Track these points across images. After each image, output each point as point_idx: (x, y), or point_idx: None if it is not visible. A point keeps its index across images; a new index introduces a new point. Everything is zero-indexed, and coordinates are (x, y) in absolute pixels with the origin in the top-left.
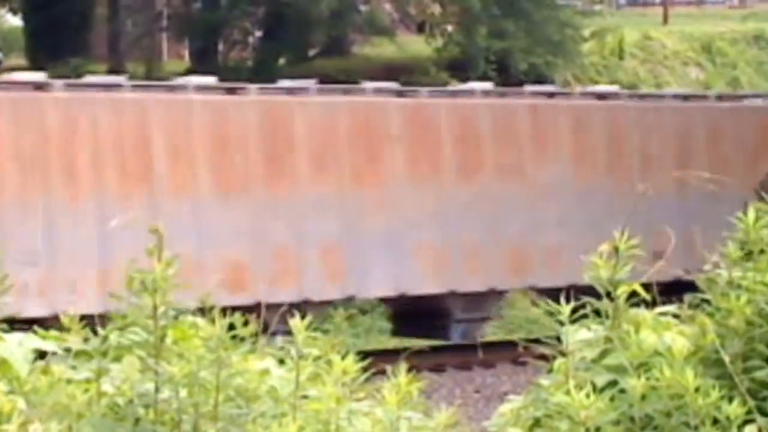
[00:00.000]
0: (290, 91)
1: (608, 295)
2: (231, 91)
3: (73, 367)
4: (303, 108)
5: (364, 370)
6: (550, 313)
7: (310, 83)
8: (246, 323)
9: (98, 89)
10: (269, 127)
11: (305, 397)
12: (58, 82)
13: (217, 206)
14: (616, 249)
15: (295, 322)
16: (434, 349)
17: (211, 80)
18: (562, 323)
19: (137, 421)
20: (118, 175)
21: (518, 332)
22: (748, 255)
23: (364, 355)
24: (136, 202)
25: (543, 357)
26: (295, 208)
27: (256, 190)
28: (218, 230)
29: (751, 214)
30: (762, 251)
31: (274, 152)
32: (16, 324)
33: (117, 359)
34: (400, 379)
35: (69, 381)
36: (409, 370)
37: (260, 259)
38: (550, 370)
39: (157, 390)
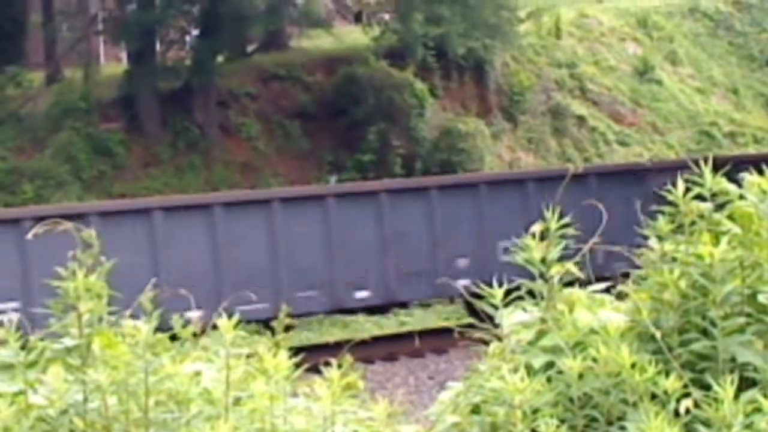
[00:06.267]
0: None
1: (542, 276)
2: None
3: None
4: None
5: (298, 365)
6: (479, 297)
7: None
8: (186, 325)
9: None
10: None
11: (239, 398)
12: None
13: None
14: (546, 230)
15: (222, 322)
16: (386, 339)
17: None
18: (495, 307)
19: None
20: None
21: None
22: (679, 227)
23: (305, 350)
24: None
25: (485, 341)
26: None
27: None
28: None
29: (681, 186)
30: (693, 223)
31: None
32: None
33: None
34: (332, 373)
35: None
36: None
37: None
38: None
39: (85, 399)
